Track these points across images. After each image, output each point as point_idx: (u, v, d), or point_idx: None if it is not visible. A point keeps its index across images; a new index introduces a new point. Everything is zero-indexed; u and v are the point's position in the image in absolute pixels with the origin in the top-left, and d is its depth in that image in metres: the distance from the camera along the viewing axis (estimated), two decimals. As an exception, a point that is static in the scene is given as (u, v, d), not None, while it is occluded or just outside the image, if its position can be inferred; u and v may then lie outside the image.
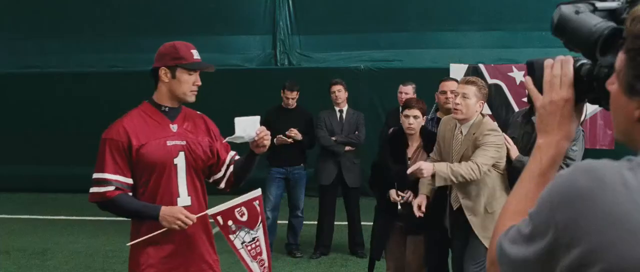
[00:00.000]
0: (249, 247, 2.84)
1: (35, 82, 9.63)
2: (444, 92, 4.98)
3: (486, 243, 3.72)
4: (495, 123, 4.04)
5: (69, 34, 9.71)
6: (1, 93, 9.69)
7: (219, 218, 2.75)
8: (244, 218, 2.79)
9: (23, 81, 9.72)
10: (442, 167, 3.74)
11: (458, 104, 3.83)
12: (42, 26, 9.75)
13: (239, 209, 2.78)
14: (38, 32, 9.76)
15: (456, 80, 5.21)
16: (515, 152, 3.92)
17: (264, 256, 2.89)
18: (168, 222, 2.61)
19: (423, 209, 3.97)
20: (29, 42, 9.86)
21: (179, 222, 2.61)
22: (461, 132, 3.92)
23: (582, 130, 3.94)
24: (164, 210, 2.62)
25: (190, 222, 2.64)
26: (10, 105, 9.66)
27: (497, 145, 3.79)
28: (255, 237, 2.84)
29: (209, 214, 2.73)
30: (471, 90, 3.82)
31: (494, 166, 3.81)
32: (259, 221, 2.84)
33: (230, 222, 2.78)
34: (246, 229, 2.81)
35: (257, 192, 2.83)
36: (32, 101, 9.57)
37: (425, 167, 3.74)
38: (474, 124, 3.87)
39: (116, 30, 9.60)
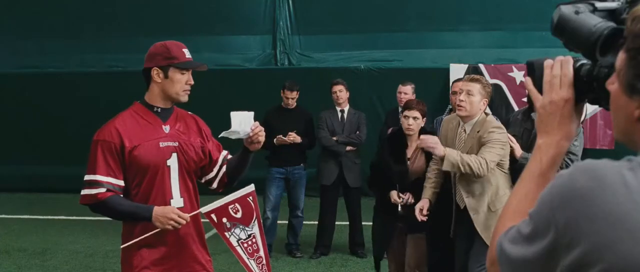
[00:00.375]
0: (245, 245, 2.79)
1: (35, 82, 9.63)
2: (455, 93, 5.01)
3: (487, 241, 3.72)
4: (499, 121, 4.04)
5: (69, 34, 9.71)
6: (1, 93, 9.69)
7: (213, 216, 2.71)
8: (238, 215, 2.75)
9: (23, 81, 9.72)
10: (453, 153, 3.73)
11: (462, 100, 3.82)
12: (42, 26, 9.74)
13: (232, 205, 2.73)
14: (38, 32, 9.76)
15: None
16: (519, 151, 3.91)
17: (261, 253, 2.84)
18: (161, 222, 2.59)
19: (425, 212, 4.00)
20: (29, 42, 9.86)
21: (172, 222, 2.59)
22: (464, 130, 3.92)
23: (581, 127, 3.97)
24: (157, 210, 2.60)
25: (184, 222, 2.61)
26: (10, 105, 9.65)
27: (502, 142, 3.78)
28: (251, 234, 2.80)
29: (203, 212, 2.70)
30: (475, 87, 3.82)
31: (498, 164, 3.80)
32: (254, 217, 2.79)
33: (224, 220, 2.73)
34: (241, 226, 2.77)
35: (250, 187, 2.77)
36: (32, 101, 9.56)
37: (438, 141, 3.74)
38: (478, 122, 3.87)
39: (116, 30, 9.60)
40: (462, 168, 3.70)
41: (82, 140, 9.87)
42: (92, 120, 10.25)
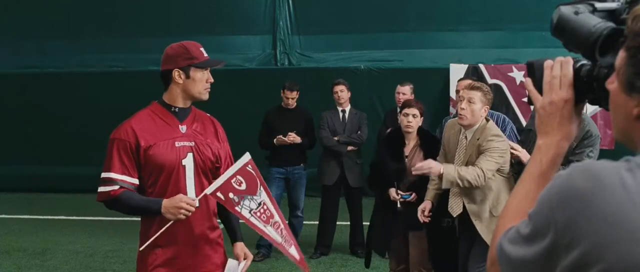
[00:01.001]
0: (258, 213, 2.76)
1: (35, 82, 9.63)
2: (458, 91, 5.05)
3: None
4: (499, 129, 4.03)
5: (69, 34, 9.71)
6: (1, 93, 9.69)
7: (219, 194, 2.68)
8: (243, 186, 2.72)
9: (23, 81, 9.72)
10: (450, 170, 3.76)
11: (463, 109, 3.82)
12: (42, 26, 9.74)
13: (234, 179, 2.71)
14: (38, 32, 9.76)
15: (471, 79, 5.29)
16: (526, 156, 3.88)
17: (276, 217, 2.81)
18: (172, 214, 2.59)
19: (427, 213, 4.06)
20: (29, 42, 9.86)
21: (183, 211, 2.59)
22: (466, 137, 3.93)
23: (600, 136, 3.96)
24: (165, 203, 2.61)
25: (194, 208, 2.62)
26: (10, 105, 9.66)
27: (501, 150, 3.79)
28: (260, 202, 2.78)
29: (208, 193, 2.69)
30: (477, 95, 3.82)
31: (498, 170, 3.82)
32: (258, 184, 2.79)
33: (231, 195, 2.70)
34: (249, 197, 2.74)
35: (246, 156, 2.77)
36: (32, 101, 9.57)
37: (433, 165, 3.77)
38: (478, 129, 3.88)
39: (116, 30, 9.60)
40: (460, 183, 3.74)
41: (82, 140, 9.90)
42: (92, 120, 10.24)
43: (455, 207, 3.99)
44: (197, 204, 2.63)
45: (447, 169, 3.76)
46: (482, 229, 3.83)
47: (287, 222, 6.28)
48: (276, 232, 2.81)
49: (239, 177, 2.71)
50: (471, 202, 3.88)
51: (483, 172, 3.71)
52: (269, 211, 2.79)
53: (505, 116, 5.27)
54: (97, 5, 9.66)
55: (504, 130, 4.84)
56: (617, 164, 0.98)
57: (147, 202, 2.67)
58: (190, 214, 2.62)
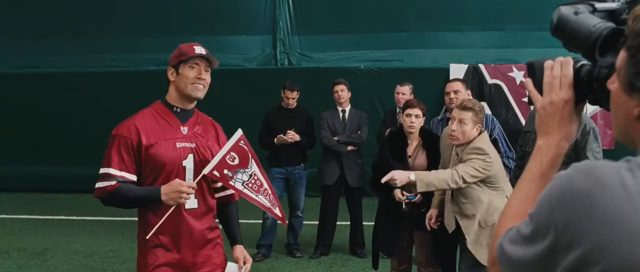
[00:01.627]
0: (250, 184, 2.87)
1: (35, 82, 9.63)
2: (448, 93, 5.05)
3: (478, 258, 3.76)
4: (488, 141, 3.95)
5: (69, 34, 9.72)
6: (1, 93, 9.70)
7: (215, 172, 2.75)
8: (236, 162, 2.80)
9: (23, 81, 9.73)
10: (421, 174, 3.79)
11: (454, 130, 3.81)
12: (42, 26, 9.75)
13: (228, 156, 2.78)
14: (38, 32, 9.76)
15: (460, 80, 5.29)
16: (401, 178, 3.91)
17: (266, 185, 2.93)
18: (173, 199, 2.61)
19: (433, 220, 4.11)
20: (29, 42, 9.86)
21: (183, 195, 2.61)
22: (457, 154, 3.94)
23: (598, 129, 4.01)
24: (164, 189, 2.62)
25: (193, 190, 2.65)
26: (10, 105, 9.66)
27: (484, 162, 3.74)
28: (251, 173, 2.87)
29: (205, 173, 2.73)
30: (468, 115, 3.79)
31: (485, 183, 3.79)
32: (250, 157, 2.86)
33: (226, 171, 2.78)
34: (241, 170, 2.83)
35: (238, 133, 2.84)
36: (32, 101, 9.57)
37: (397, 176, 3.78)
38: (469, 145, 3.88)
39: (116, 30, 9.60)
40: (437, 183, 3.74)
41: (82, 140, 9.88)
42: (92, 120, 10.22)
43: (450, 223, 4.01)
44: (195, 187, 2.67)
45: (418, 173, 3.79)
46: (470, 238, 3.83)
47: (287, 222, 6.33)
48: (266, 198, 2.95)
49: (232, 153, 2.79)
50: (463, 218, 3.88)
51: (458, 172, 3.70)
52: (260, 180, 2.92)
53: (493, 116, 5.32)
54: (97, 5, 9.67)
55: (492, 130, 4.84)
56: (617, 164, 0.98)
57: (145, 191, 2.68)
58: (190, 197, 2.66)
